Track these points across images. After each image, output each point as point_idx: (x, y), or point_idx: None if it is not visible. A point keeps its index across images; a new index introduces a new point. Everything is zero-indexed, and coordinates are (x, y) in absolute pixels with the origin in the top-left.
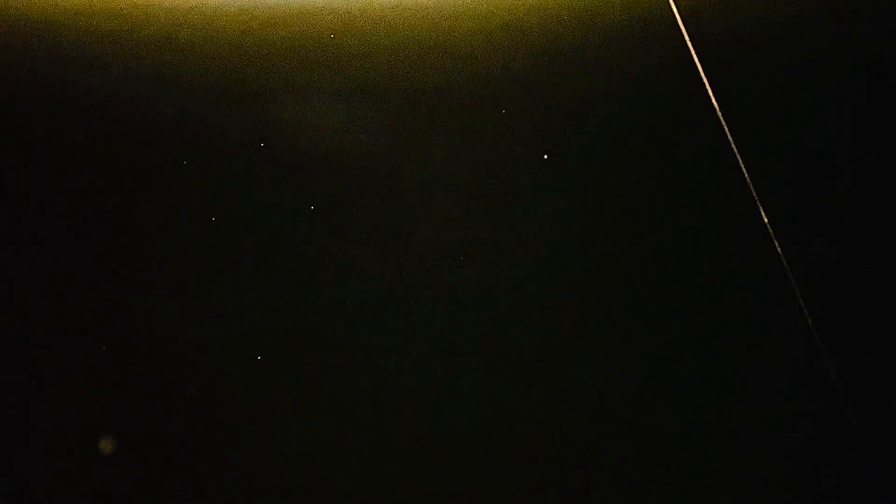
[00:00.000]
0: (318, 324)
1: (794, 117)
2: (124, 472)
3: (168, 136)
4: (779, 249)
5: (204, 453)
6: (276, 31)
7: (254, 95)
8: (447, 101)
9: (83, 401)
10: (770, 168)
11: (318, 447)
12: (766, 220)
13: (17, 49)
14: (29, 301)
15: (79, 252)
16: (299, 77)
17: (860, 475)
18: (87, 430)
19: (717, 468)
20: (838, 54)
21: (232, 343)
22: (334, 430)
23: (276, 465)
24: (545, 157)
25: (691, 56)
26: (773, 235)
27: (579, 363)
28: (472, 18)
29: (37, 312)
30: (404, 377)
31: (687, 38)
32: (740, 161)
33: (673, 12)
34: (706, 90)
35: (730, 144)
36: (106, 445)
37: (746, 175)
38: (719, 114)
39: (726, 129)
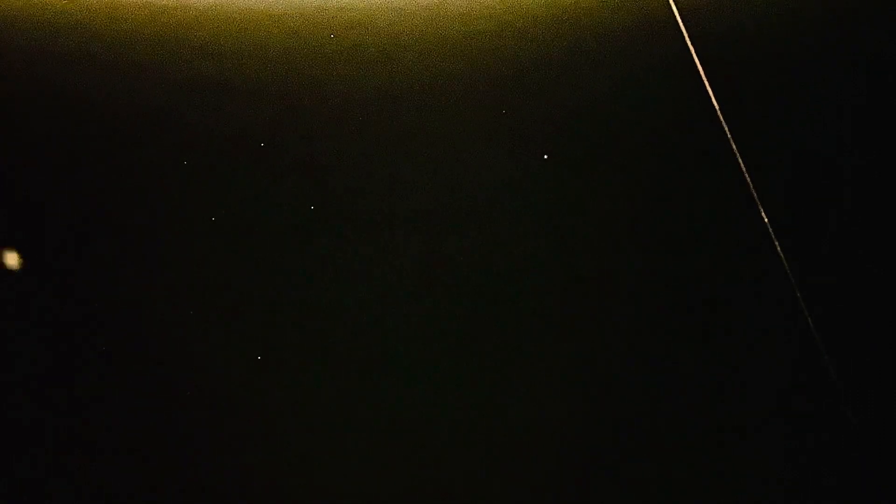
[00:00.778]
0: (318, 323)
1: (794, 117)
2: (124, 471)
3: (168, 136)
4: (779, 249)
5: (204, 453)
6: (276, 31)
7: (254, 95)
8: (447, 101)
9: (83, 401)
10: (770, 168)
11: (317, 447)
12: (766, 220)
13: (18, 49)
14: (29, 301)
15: (79, 252)
16: (299, 77)
17: (860, 475)
18: (86, 430)
19: (717, 468)
20: (838, 54)
21: (232, 343)
22: (334, 429)
23: (276, 465)
24: (545, 157)
25: (691, 56)
26: (773, 235)
27: (579, 363)
28: (472, 18)
29: (37, 312)
30: (404, 377)
31: (687, 38)
32: (740, 161)
33: (673, 12)
34: (706, 90)
35: (730, 144)
36: (106, 445)
37: (746, 175)
38: (719, 114)
39: (726, 129)
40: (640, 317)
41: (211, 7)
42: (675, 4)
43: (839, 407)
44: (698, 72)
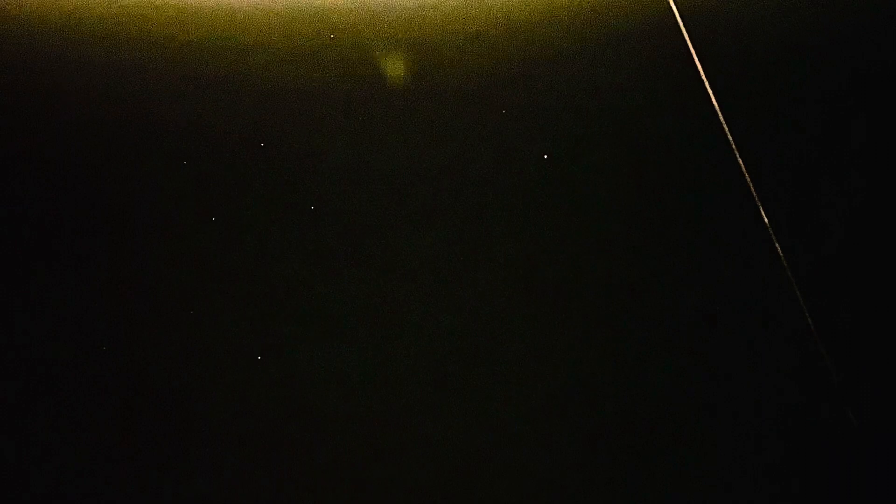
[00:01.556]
0: (319, 323)
1: (794, 117)
2: (124, 471)
3: (168, 136)
4: (779, 249)
5: (204, 453)
6: (276, 31)
7: (254, 95)
8: (447, 101)
9: (83, 400)
10: (770, 168)
11: (317, 447)
12: (766, 220)
13: (18, 49)
14: (29, 301)
15: (79, 252)
16: (299, 77)
17: (860, 475)
18: (86, 430)
19: (717, 468)
20: (838, 54)
21: (232, 343)
22: (334, 429)
23: (276, 465)
24: (545, 157)
25: (691, 56)
26: (773, 235)
27: (578, 362)
28: (472, 19)
29: (37, 312)
30: (404, 376)
31: (687, 38)
32: (740, 161)
33: (673, 12)
34: (706, 90)
35: (730, 144)
36: (106, 445)
37: (746, 175)
38: (719, 114)
39: (726, 129)
40: (639, 316)
41: (211, 7)
42: (675, 4)
43: (839, 407)
44: (698, 72)
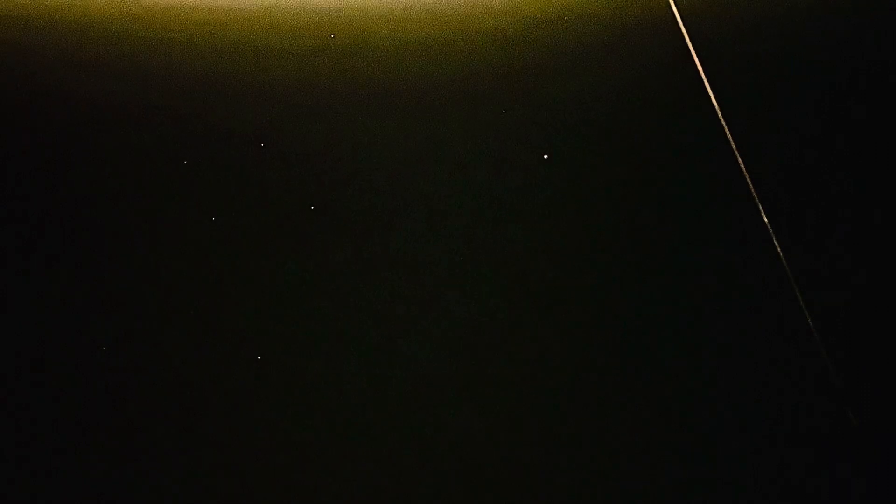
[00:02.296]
0: (319, 323)
1: (793, 117)
2: (123, 471)
3: (168, 136)
4: (779, 249)
5: (204, 453)
6: (277, 31)
7: (254, 95)
8: (447, 101)
9: (83, 400)
10: (770, 168)
11: (318, 447)
12: (766, 220)
13: (18, 49)
14: (29, 301)
15: (79, 252)
16: (299, 77)
17: (860, 475)
18: (86, 430)
19: (717, 468)
20: (838, 54)
21: (232, 343)
22: (334, 430)
23: (276, 465)
24: (545, 157)
25: (691, 56)
26: (773, 235)
27: (578, 362)
28: (472, 19)
29: (36, 312)
30: (404, 376)
31: (687, 38)
32: (740, 161)
33: (673, 12)
34: (706, 90)
35: (730, 144)
36: (106, 445)
37: (746, 175)
38: (719, 114)
39: (726, 129)
40: (639, 316)
41: (211, 7)
42: (675, 4)
43: (839, 407)
44: (698, 72)
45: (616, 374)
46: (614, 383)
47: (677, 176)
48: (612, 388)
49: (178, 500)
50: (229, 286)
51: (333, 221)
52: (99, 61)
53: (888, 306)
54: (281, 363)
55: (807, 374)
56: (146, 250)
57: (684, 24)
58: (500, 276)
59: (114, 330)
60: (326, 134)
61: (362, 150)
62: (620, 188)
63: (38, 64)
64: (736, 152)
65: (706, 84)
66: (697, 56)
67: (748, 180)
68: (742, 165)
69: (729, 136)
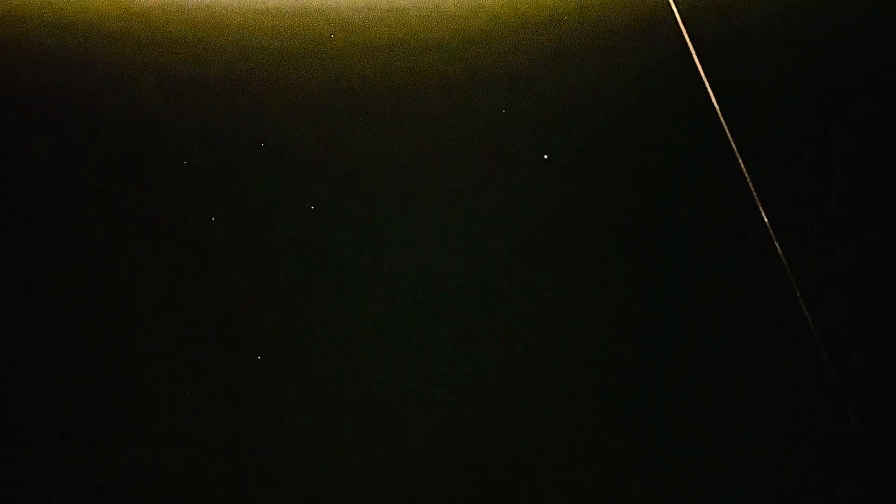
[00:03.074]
0: (319, 323)
1: (793, 117)
2: (123, 471)
3: (168, 136)
4: (779, 249)
5: (204, 453)
6: (277, 31)
7: (254, 95)
8: (447, 101)
9: (82, 401)
10: (770, 168)
11: (318, 447)
12: (766, 220)
13: (18, 49)
14: (29, 301)
15: (79, 252)
16: (299, 77)
17: (860, 475)
18: (86, 430)
19: (717, 468)
20: (838, 54)
21: (232, 343)
22: (335, 429)
23: (276, 465)
24: (545, 157)
25: (691, 56)
26: (773, 235)
27: (578, 363)
28: (472, 19)
29: (36, 312)
30: (403, 377)
31: (687, 38)
32: (740, 161)
33: (673, 12)
34: (706, 90)
35: (730, 144)
36: (105, 445)
37: (746, 175)
38: (719, 114)
39: (726, 129)
40: (639, 316)
41: (211, 7)
42: (675, 4)
43: (839, 407)
44: (698, 72)
45: (616, 374)
46: (614, 383)
47: (677, 176)
48: (612, 388)
49: (178, 500)
50: (229, 286)
51: (333, 221)
52: (99, 61)
53: (888, 306)
54: (281, 363)
55: (807, 374)
56: (146, 250)
57: (684, 24)
58: (499, 275)
59: (113, 330)
60: (326, 134)
61: (362, 149)
62: (620, 188)
63: (38, 64)
64: (736, 152)
65: (706, 84)
66: (697, 56)
67: (748, 180)
68: (742, 165)
69: (729, 136)
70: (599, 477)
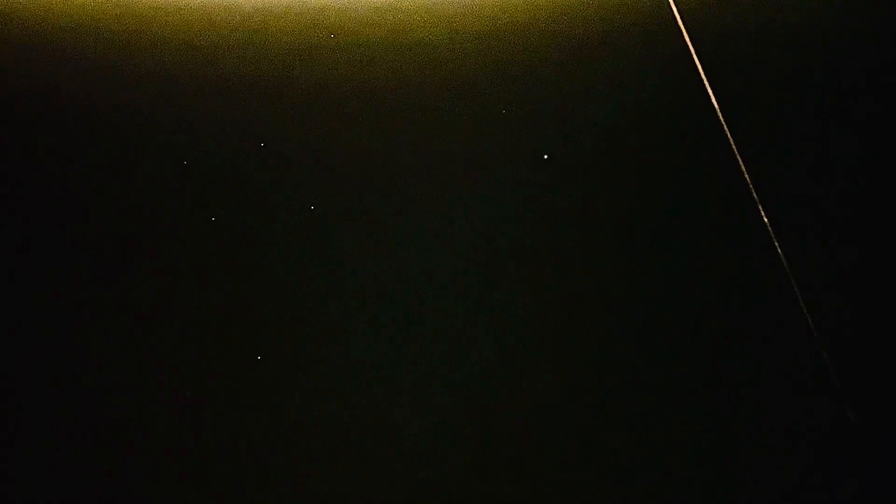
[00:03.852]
0: (319, 323)
1: (794, 117)
2: (123, 471)
3: (168, 136)
4: (779, 249)
5: (204, 453)
6: (277, 31)
7: (254, 95)
8: (447, 102)
9: (82, 400)
10: (770, 168)
11: (318, 447)
12: (766, 219)
13: (18, 49)
14: (29, 301)
15: (79, 252)
16: (299, 77)
17: (860, 475)
18: (85, 430)
19: (717, 468)
20: (838, 54)
21: (232, 343)
22: (335, 429)
23: (275, 465)
24: (545, 157)
25: (691, 56)
26: (773, 235)
27: (578, 363)
28: (472, 19)
29: (36, 312)
30: (403, 377)
31: (687, 38)
32: (740, 161)
33: (673, 12)
34: (706, 90)
35: (730, 144)
36: (105, 445)
37: (746, 175)
38: (719, 114)
39: (726, 129)
40: (639, 316)
41: (211, 7)
42: (675, 4)
43: (839, 407)
44: (698, 72)
45: (615, 374)
46: (613, 383)
47: (677, 176)
48: (612, 388)
49: (178, 500)
50: (229, 286)
51: (333, 221)
52: (98, 61)
53: (888, 306)
54: (281, 363)
55: (807, 374)
56: (146, 250)
57: (684, 24)
58: (499, 275)
59: (113, 329)
60: (326, 134)
61: (362, 150)
62: (620, 188)
63: (39, 64)
64: (736, 152)
65: (706, 84)
66: (697, 56)
67: (748, 180)
68: (742, 165)
69: (729, 136)
70: (599, 477)
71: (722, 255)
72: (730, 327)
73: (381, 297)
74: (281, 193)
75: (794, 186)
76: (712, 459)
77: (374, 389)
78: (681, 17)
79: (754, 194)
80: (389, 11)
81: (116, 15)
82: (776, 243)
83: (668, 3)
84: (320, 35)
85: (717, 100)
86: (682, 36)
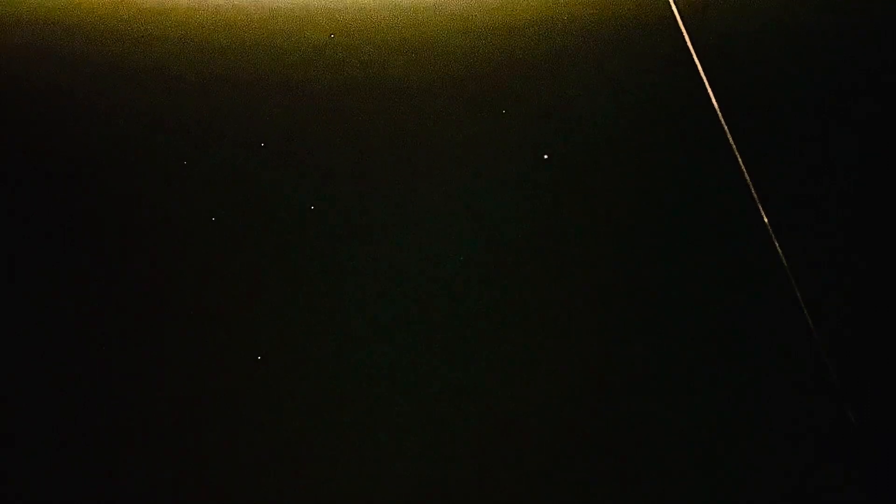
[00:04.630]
0: (319, 323)
1: (794, 117)
2: (123, 471)
3: (168, 136)
4: (779, 249)
5: (204, 453)
6: (277, 31)
7: (254, 95)
8: (447, 101)
9: (82, 400)
10: (770, 168)
11: (318, 447)
12: (766, 219)
13: (18, 49)
14: (28, 301)
15: (79, 252)
16: (299, 77)
17: (860, 475)
18: (85, 430)
19: (717, 468)
20: (838, 54)
21: (232, 343)
22: (335, 429)
23: (275, 465)
24: (545, 157)
25: (691, 56)
26: (773, 235)
27: (578, 363)
28: (472, 19)
29: (36, 312)
30: (403, 376)
31: (687, 38)
32: (740, 161)
33: (673, 12)
34: (706, 90)
35: (730, 144)
36: (105, 445)
37: (746, 175)
38: (719, 114)
39: (726, 129)
40: (639, 316)
41: (211, 8)
42: (675, 4)
43: (839, 407)
44: (698, 72)
45: (615, 374)
46: (613, 383)
47: (677, 176)
48: (612, 388)
49: (178, 500)
50: (229, 286)
51: (333, 221)
52: (98, 61)
53: (888, 306)
54: (281, 363)
55: (807, 374)
56: (146, 250)
57: (684, 24)
58: (499, 275)
59: (113, 329)
60: (326, 134)
61: (362, 150)
62: (620, 188)
63: (38, 64)
64: (736, 152)
65: (706, 84)
66: (697, 56)
67: (748, 180)
68: (742, 165)
69: (729, 136)
70: (600, 477)
71: (722, 255)
72: (730, 327)
73: (381, 297)
74: (281, 193)
75: (794, 186)
76: (712, 459)
77: (375, 389)
78: (681, 17)
79: (754, 194)
80: (389, 12)
81: (117, 15)
82: (776, 243)
83: (668, 3)
84: (320, 35)
85: (717, 100)
86: (683, 36)
